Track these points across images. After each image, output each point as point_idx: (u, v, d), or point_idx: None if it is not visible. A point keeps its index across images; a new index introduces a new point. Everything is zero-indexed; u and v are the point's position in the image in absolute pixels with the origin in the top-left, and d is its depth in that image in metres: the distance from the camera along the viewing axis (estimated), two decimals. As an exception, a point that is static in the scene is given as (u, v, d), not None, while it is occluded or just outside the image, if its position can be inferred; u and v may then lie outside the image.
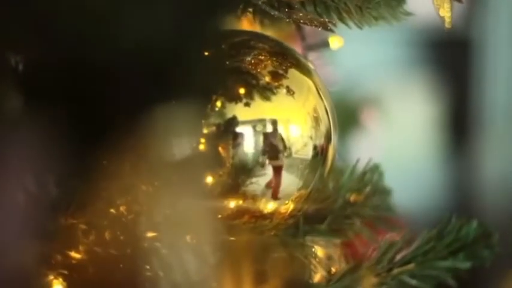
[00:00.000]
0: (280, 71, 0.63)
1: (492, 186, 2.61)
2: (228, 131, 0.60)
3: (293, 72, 0.64)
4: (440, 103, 2.77)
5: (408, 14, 0.68)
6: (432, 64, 2.79)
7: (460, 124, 2.75)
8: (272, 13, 0.64)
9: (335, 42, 0.73)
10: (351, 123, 1.58)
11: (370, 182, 0.75)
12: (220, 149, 0.60)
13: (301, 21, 0.63)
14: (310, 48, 0.73)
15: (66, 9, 0.49)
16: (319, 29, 0.63)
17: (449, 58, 2.73)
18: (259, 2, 0.63)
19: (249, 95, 0.62)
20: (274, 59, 0.64)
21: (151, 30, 0.50)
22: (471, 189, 2.67)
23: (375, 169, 0.75)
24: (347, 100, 1.59)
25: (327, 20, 0.64)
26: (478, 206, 2.59)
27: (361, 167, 0.75)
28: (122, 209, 0.57)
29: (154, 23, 0.50)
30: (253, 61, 0.63)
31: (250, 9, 0.67)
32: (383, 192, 0.76)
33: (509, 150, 2.60)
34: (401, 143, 2.67)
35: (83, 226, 0.57)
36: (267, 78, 0.62)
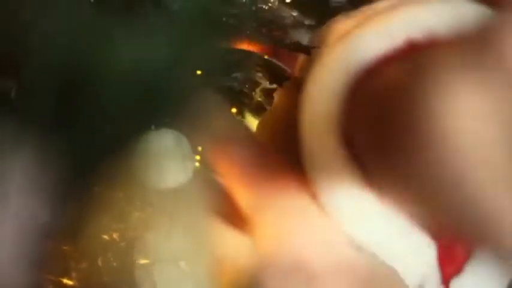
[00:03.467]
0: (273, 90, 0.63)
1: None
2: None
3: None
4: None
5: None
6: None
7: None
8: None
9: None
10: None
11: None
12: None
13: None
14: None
15: (57, 33, 0.49)
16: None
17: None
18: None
19: (241, 114, 0.61)
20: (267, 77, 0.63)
21: (144, 57, 0.49)
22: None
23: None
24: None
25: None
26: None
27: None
28: (115, 235, 0.57)
29: (148, 50, 0.49)
30: (245, 80, 0.62)
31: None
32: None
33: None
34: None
35: (75, 253, 0.57)
36: (259, 97, 0.62)
